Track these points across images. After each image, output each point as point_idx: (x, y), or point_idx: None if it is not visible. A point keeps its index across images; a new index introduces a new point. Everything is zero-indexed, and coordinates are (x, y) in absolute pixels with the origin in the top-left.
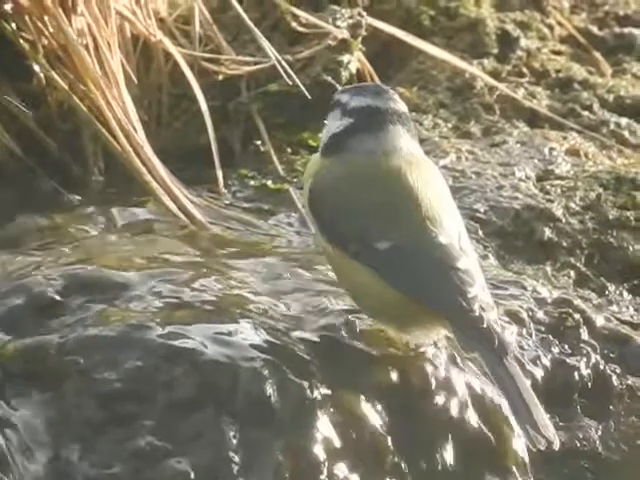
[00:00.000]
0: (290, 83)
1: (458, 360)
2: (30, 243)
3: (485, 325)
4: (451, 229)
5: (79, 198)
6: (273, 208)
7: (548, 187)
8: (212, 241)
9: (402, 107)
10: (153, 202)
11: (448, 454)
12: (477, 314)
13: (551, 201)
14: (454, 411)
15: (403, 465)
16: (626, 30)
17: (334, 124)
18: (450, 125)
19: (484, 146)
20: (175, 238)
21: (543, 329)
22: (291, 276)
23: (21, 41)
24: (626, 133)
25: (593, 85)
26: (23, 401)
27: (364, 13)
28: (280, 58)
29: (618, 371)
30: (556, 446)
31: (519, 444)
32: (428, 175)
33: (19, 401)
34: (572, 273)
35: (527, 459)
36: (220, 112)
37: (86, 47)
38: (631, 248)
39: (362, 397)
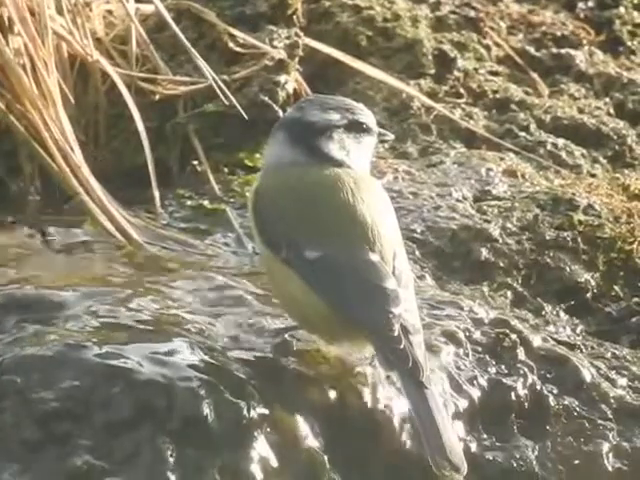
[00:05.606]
0: (227, 103)
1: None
2: None
3: (402, 346)
4: (385, 248)
5: (16, 217)
6: (210, 228)
7: (485, 208)
8: (149, 261)
9: (339, 120)
10: (90, 222)
11: (384, 474)
12: (396, 334)
13: (488, 222)
14: (390, 431)
15: None
16: (563, 51)
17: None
18: (387, 145)
19: (421, 166)
20: (112, 258)
21: (480, 349)
22: (228, 296)
23: None
24: (563, 154)
25: (530, 106)
26: None
27: (301, 33)
28: (217, 78)
29: (555, 391)
30: (463, 472)
31: None
32: (367, 193)
33: None
34: (509, 293)
35: None
36: (157, 132)
37: (23, 67)
38: (568, 269)
39: (299, 417)
